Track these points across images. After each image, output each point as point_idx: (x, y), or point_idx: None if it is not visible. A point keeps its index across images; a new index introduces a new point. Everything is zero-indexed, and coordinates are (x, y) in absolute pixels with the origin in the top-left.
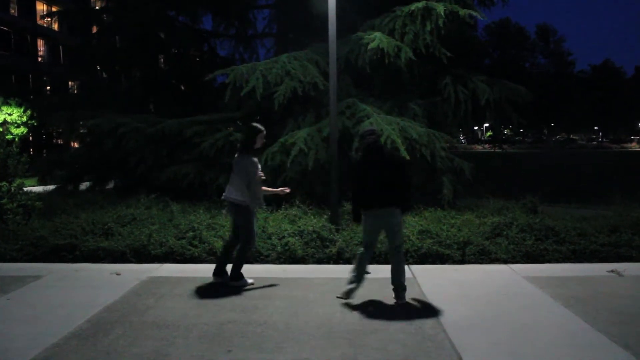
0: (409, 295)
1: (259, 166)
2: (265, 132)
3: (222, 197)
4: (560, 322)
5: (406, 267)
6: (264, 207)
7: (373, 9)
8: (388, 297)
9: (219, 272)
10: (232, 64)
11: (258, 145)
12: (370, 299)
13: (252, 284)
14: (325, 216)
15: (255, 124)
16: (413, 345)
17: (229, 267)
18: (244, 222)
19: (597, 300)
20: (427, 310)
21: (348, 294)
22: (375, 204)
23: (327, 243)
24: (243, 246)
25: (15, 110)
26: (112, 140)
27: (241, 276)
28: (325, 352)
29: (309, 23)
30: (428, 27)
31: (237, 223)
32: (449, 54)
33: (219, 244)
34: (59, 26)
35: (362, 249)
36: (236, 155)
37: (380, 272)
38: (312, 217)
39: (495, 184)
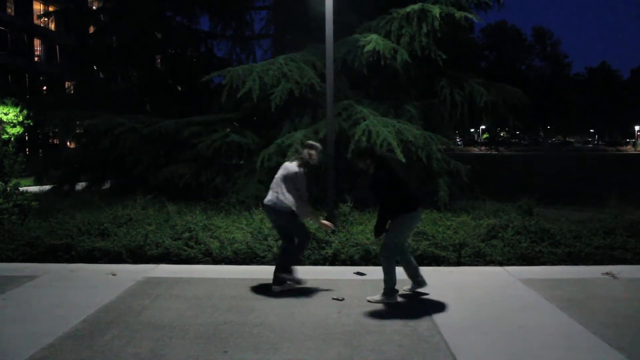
0: (404, 297)
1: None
2: (319, 148)
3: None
4: (555, 324)
5: (402, 268)
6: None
7: (370, 11)
8: None
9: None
10: (229, 65)
11: (312, 161)
12: (365, 300)
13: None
14: (322, 217)
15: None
16: (408, 346)
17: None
18: (288, 223)
19: (592, 303)
20: (422, 312)
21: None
22: (418, 204)
23: (323, 244)
24: (299, 244)
25: (11, 110)
26: (108, 140)
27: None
28: (321, 353)
29: (306, 24)
30: (424, 30)
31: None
32: (444, 56)
33: (214, 245)
34: (56, 26)
35: (389, 255)
36: (289, 162)
37: (375, 274)
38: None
39: (491, 185)
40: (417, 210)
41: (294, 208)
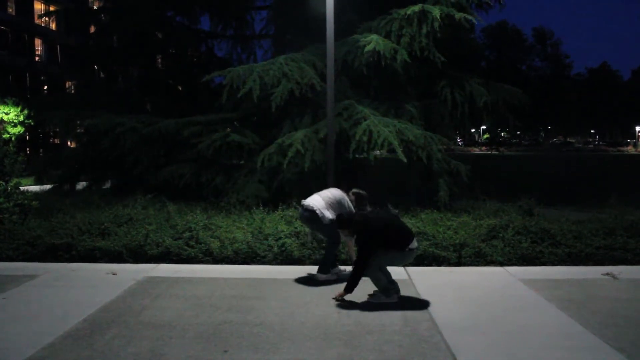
0: (404, 298)
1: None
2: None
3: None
4: (555, 325)
5: (402, 268)
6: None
7: (370, 11)
8: None
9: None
10: (229, 65)
11: (356, 204)
12: (366, 300)
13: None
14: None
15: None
16: (408, 346)
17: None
18: (324, 226)
19: (592, 303)
20: (423, 312)
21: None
22: (409, 243)
23: (324, 244)
24: (332, 245)
25: (12, 110)
26: (108, 140)
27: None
28: (321, 353)
29: (306, 24)
30: (424, 30)
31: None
32: (442, 59)
33: (215, 245)
34: (57, 25)
35: (372, 272)
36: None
37: None
38: None
39: (492, 185)
40: (411, 250)
41: (333, 220)
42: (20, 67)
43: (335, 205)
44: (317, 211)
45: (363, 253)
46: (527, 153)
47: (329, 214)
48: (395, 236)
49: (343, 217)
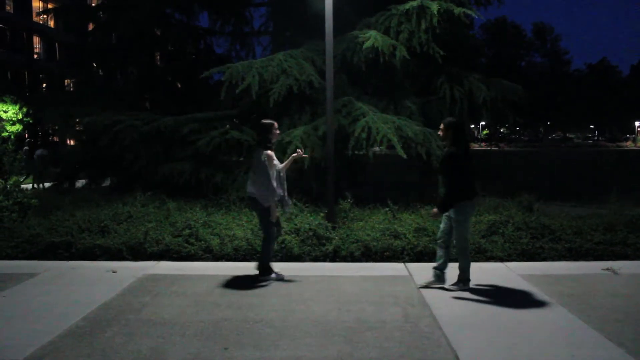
0: (404, 294)
1: (274, 160)
2: (276, 125)
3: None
4: (556, 320)
5: (403, 265)
6: (288, 203)
7: (369, 7)
8: (383, 294)
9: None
10: (228, 62)
11: (273, 139)
12: (366, 297)
13: (280, 278)
14: (322, 214)
15: (265, 120)
16: (409, 342)
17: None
18: (260, 217)
19: (592, 298)
20: (423, 308)
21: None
22: (476, 194)
23: (324, 241)
24: (263, 241)
25: (10, 108)
26: (107, 138)
27: (268, 271)
28: (321, 349)
29: (305, 21)
30: (423, 26)
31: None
32: (442, 53)
33: (215, 242)
34: (55, 23)
35: (464, 247)
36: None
37: (375, 270)
38: (308, 215)
39: (491, 182)
40: (474, 199)
41: (261, 197)
42: (18, 65)
43: (256, 170)
44: (249, 194)
45: (454, 172)
46: (526, 149)
47: (257, 185)
48: (472, 177)
49: (451, 119)
